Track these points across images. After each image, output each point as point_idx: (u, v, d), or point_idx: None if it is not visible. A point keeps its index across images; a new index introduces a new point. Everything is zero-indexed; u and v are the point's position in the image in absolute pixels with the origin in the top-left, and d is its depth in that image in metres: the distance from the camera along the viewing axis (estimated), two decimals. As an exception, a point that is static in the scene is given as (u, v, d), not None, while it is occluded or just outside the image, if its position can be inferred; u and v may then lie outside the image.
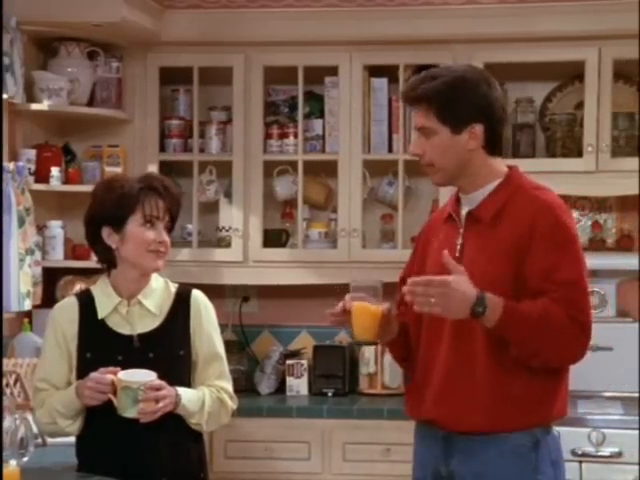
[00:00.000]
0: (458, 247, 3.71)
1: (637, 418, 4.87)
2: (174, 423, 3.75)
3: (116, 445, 3.71)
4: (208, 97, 6.10)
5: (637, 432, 5.13)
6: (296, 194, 5.97)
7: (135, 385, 3.54)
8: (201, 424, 3.76)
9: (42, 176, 5.58)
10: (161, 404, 3.56)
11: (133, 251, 3.70)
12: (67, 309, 3.82)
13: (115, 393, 3.57)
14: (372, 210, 6.11)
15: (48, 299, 5.55)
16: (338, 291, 3.82)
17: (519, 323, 3.46)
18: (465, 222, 3.73)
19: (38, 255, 5.47)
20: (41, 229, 5.61)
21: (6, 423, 4.11)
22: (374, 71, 5.94)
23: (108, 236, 3.70)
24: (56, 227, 5.71)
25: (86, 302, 3.79)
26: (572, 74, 5.88)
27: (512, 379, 3.60)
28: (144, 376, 3.58)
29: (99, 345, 3.73)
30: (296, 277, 5.77)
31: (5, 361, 4.98)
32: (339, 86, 5.91)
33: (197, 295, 3.89)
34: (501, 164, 3.71)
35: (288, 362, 5.89)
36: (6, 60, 5.23)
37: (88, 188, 5.56)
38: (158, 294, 3.81)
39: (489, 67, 5.58)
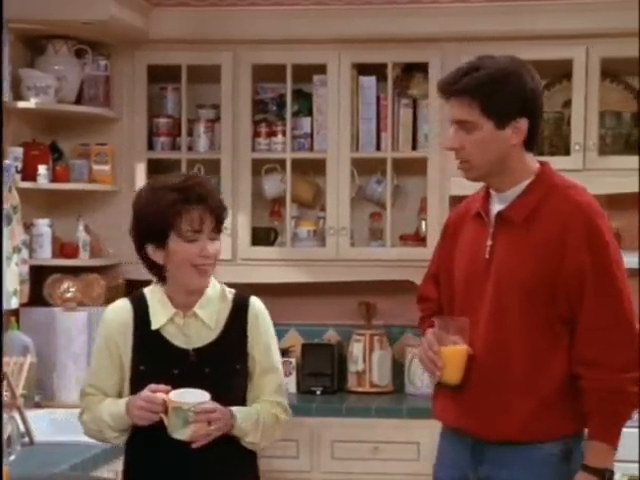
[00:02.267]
0: (488, 248, 3.65)
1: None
2: (226, 442, 3.55)
3: (163, 464, 3.55)
4: (196, 95, 6.12)
5: (625, 430, 5.13)
6: (284, 192, 5.99)
7: (186, 406, 3.37)
8: (255, 443, 3.57)
9: (29, 174, 5.58)
10: (213, 427, 3.38)
11: (177, 268, 3.48)
12: (121, 314, 3.58)
13: (166, 412, 3.40)
14: (360, 208, 6.12)
15: (35, 298, 5.57)
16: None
17: (620, 428, 3.52)
18: (495, 222, 3.67)
19: (25, 253, 5.44)
20: (28, 227, 5.59)
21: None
22: (362, 69, 5.95)
23: (153, 253, 3.48)
24: (43, 225, 5.70)
25: (141, 308, 3.57)
26: (560, 73, 5.89)
27: (548, 386, 3.56)
28: (197, 396, 3.40)
29: (154, 357, 3.53)
30: (284, 275, 5.79)
31: None
32: (327, 84, 5.93)
33: (255, 303, 3.66)
34: (534, 160, 3.64)
35: None
36: None
37: (76, 186, 5.93)
38: (215, 304, 3.57)
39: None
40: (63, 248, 5.81)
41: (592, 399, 3.48)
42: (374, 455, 5.53)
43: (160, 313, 3.51)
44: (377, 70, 5.94)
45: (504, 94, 3.52)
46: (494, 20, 5.75)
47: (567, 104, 5.88)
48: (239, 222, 5.98)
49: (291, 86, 5.96)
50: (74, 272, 5.79)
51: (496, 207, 3.67)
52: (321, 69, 5.94)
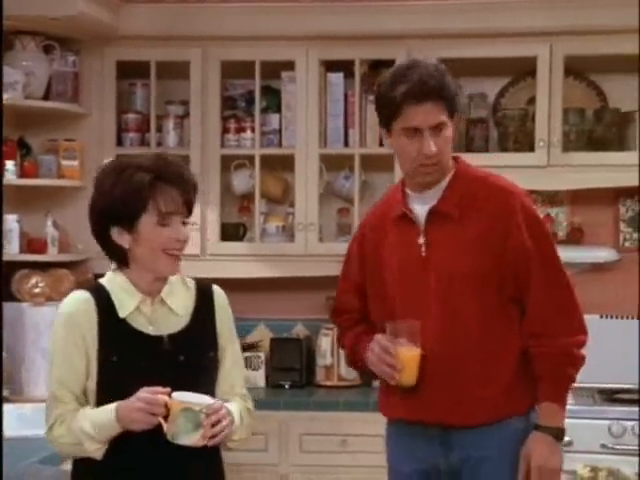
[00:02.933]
0: (422, 247, 3.68)
1: (586, 407, 5.08)
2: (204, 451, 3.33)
3: (136, 460, 3.29)
4: (165, 91, 6.12)
5: (586, 421, 5.21)
6: (253, 188, 6.01)
7: (198, 407, 3.14)
8: (242, 440, 3.45)
9: None
10: (225, 422, 3.20)
11: (147, 253, 3.23)
12: (82, 305, 3.27)
13: (166, 417, 3.17)
14: (328, 204, 6.16)
15: (3, 293, 5.45)
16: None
17: (567, 391, 3.66)
18: (427, 220, 3.69)
19: None
20: None
21: None
22: (330, 66, 5.98)
23: (118, 236, 3.22)
24: (12, 221, 5.68)
25: (102, 298, 3.28)
26: (524, 70, 5.96)
27: (508, 368, 3.63)
28: (199, 398, 3.19)
29: (124, 347, 3.25)
30: (253, 270, 5.81)
31: None
32: (296, 81, 5.96)
33: (218, 291, 3.49)
34: None
35: (245, 355, 5.81)
36: None
37: (44, 182, 5.91)
38: (179, 291, 3.37)
39: (443, 62, 5.72)
40: (31, 243, 5.82)
41: (544, 365, 3.60)
42: (342, 448, 5.55)
43: (126, 300, 3.26)
44: (345, 67, 5.95)
45: (457, 94, 3.65)
46: (459, 18, 5.78)
47: (531, 101, 5.94)
48: (208, 217, 5.98)
49: (260, 83, 5.97)
50: (42, 267, 5.77)
51: (421, 205, 3.69)
52: (289, 66, 5.97)
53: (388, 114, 3.68)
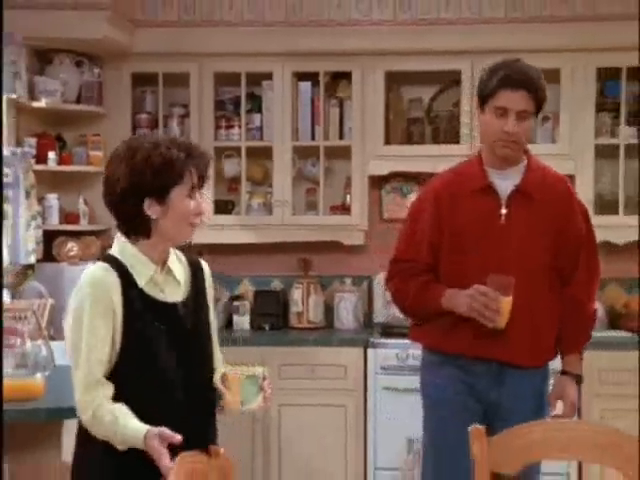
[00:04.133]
0: (502, 217, 3.65)
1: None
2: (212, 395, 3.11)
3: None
4: (170, 96, 6.16)
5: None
6: (240, 173, 6.11)
7: (259, 373, 2.97)
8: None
9: (41, 159, 5.70)
10: (270, 390, 3.03)
11: (174, 223, 2.97)
12: (109, 280, 2.94)
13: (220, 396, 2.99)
14: (299, 185, 6.22)
15: (46, 255, 5.71)
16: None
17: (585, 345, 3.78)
18: (509, 195, 3.65)
19: (39, 221, 5.58)
20: (41, 201, 5.71)
21: (29, 347, 4.25)
22: (300, 77, 6.06)
23: (149, 207, 2.93)
24: (52, 199, 5.86)
25: (121, 269, 2.97)
26: (451, 80, 6.02)
27: (555, 323, 3.71)
28: (243, 369, 3.01)
29: (145, 314, 2.98)
30: (240, 237, 5.93)
31: (17, 302, 5.04)
32: (273, 88, 6.04)
33: (205, 265, 3.23)
34: None
35: (234, 304, 6.11)
36: (14, 68, 5.31)
37: (76, 168, 5.99)
38: (176, 262, 3.11)
39: (389, 75, 6.00)
40: (67, 217, 5.95)
41: (577, 325, 3.72)
42: (311, 375, 5.68)
43: (142, 270, 2.99)
44: (312, 77, 6.04)
45: (544, 92, 3.59)
46: (400, 39, 5.85)
47: (456, 104, 6.01)
48: (205, 196, 6.19)
49: (245, 90, 6.06)
50: (76, 235, 5.88)
51: (501, 181, 3.66)
52: (268, 76, 6.03)
53: (486, 94, 3.60)
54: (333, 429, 5.70)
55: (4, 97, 5.28)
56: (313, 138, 6.11)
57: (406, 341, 5.36)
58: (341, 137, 6.12)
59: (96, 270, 2.97)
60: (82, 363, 2.92)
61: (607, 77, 5.93)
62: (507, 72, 3.56)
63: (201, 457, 2.78)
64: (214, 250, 5.93)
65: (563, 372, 3.77)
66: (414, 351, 5.49)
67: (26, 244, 5.41)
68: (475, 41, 5.81)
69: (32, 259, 5.48)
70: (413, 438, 5.45)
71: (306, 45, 5.94)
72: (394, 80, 6.10)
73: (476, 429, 3.07)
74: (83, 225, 5.97)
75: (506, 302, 3.50)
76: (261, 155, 6.17)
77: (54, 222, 5.87)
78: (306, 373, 5.71)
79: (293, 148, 6.07)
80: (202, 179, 3.02)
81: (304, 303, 6.13)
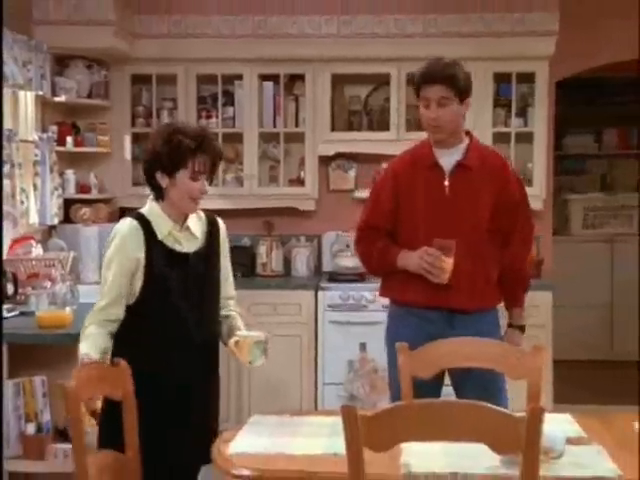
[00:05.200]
0: (446, 188, 3.57)
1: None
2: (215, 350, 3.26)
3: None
4: (161, 93, 6.23)
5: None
6: None
7: (264, 337, 3.08)
8: None
9: (61, 142, 5.78)
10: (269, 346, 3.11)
11: (178, 196, 3.07)
12: (135, 235, 3.08)
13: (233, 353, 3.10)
14: (264, 163, 6.32)
15: (66, 218, 5.83)
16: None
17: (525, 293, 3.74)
18: (452, 170, 3.58)
19: (60, 191, 5.69)
20: (61, 175, 5.80)
21: (58, 288, 4.48)
22: (265, 77, 6.16)
23: (160, 178, 3.07)
24: (70, 174, 5.96)
25: (145, 224, 3.10)
26: (383, 81, 6.11)
27: (495, 274, 3.66)
28: (256, 333, 3.12)
29: (163, 261, 3.08)
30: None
31: (46, 254, 5.14)
32: (243, 87, 6.14)
33: (221, 222, 3.34)
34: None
35: None
36: (41, 71, 5.35)
37: (88, 149, 6.05)
38: (196, 220, 3.21)
39: (334, 76, 6.04)
40: (81, 187, 6.05)
41: (518, 284, 3.71)
42: (274, 312, 5.80)
43: (162, 226, 3.10)
44: (274, 78, 6.14)
45: (461, 80, 3.50)
46: (342, 48, 5.98)
47: (387, 100, 6.10)
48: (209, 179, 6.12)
49: (221, 88, 6.14)
50: (88, 202, 5.99)
51: (446, 159, 3.58)
52: (239, 77, 6.13)
53: (416, 89, 3.56)
54: (291, 354, 5.80)
55: (32, 94, 5.38)
56: (275, 126, 6.19)
57: (347, 285, 5.76)
58: (297, 125, 6.21)
59: (125, 225, 3.12)
60: (102, 295, 3.11)
61: (501, 80, 6.04)
62: (426, 69, 3.54)
63: (99, 365, 2.94)
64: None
65: (509, 325, 3.76)
66: (353, 293, 5.78)
67: (51, 209, 5.49)
68: (400, 51, 5.91)
69: (55, 220, 5.57)
70: (352, 360, 5.69)
71: (269, 53, 6.05)
72: (338, 81, 6.21)
73: (400, 345, 3.29)
74: (94, 194, 6.06)
75: (448, 262, 3.47)
76: (234, 139, 6.19)
77: (71, 192, 5.94)
78: (270, 311, 5.80)
79: (259, 134, 6.16)
80: (213, 166, 3.12)
81: (268, 256, 6.22)
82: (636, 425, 2.87)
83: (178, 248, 3.14)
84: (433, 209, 3.56)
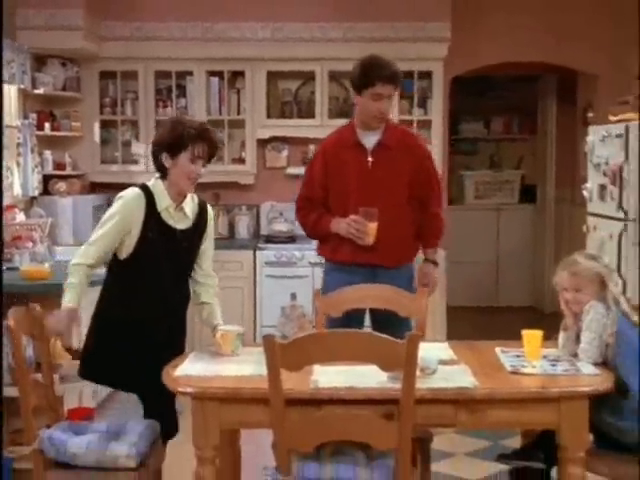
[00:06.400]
0: (369, 164, 3.54)
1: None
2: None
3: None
4: (125, 86, 6.20)
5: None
6: None
7: (242, 331, 3.08)
8: None
9: (40, 127, 5.77)
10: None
11: (178, 175, 3.06)
12: (139, 200, 3.05)
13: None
14: None
15: (44, 191, 5.80)
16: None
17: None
18: (374, 148, 3.54)
19: (40, 168, 5.70)
20: (40, 155, 5.78)
21: (39, 247, 4.50)
22: (212, 74, 6.15)
23: (165, 159, 3.06)
24: (48, 154, 5.93)
25: (148, 195, 3.07)
26: (309, 76, 6.16)
27: (412, 232, 3.66)
28: (234, 326, 3.11)
29: (156, 230, 3.06)
30: None
31: (29, 220, 5.08)
32: (194, 81, 6.15)
33: (210, 208, 3.30)
34: None
35: None
36: (22, 68, 5.33)
37: (64, 134, 6.02)
38: (189, 202, 3.18)
39: (269, 73, 6.05)
40: (58, 165, 6.02)
41: (436, 232, 3.71)
42: (221, 268, 4.84)
43: (162, 201, 3.08)
44: (219, 74, 6.15)
45: (401, 78, 3.53)
46: (276, 50, 6.02)
47: (313, 92, 6.12)
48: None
49: (175, 82, 6.14)
50: (63, 178, 5.95)
51: (368, 139, 3.54)
52: (190, 73, 6.14)
53: (364, 84, 3.47)
54: (235, 302, 5.77)
55: (15, 87, 5.31)
56: (220, 114, 6.19)
57: (280, 245, 5.80)
58: (238, 113, 6.22)
59: (132, 191, 3.10)
60: (93, 241, 3.07)
61: (405, 77, 5.36)
62: (382, 70, 3.46)
63: (20, 309, 2.95)
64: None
65: (425, 260, 3.77)
66: (285, 252, 5.84)
67: (32, 183, 5.50)
68: (324, 52, 5.98)
69: (36, 193, 5.59)
70: (284, 306, 5.16)
71: (215, 53, 6.06)
72: (272, 77, 6.23)
73: (317, 291, 3.46)
74: (68, 171, 6.05)
75: (372, 227, 3.46)
76: None
77: (49, 169, 5.93)
78: (217, 267, 4.68)
79: (207, 121, 5.26)
80: (210, 154, 3.12)
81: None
82: (497, 349, 3.04)
83: (170, 223, 3.12)
84: (358, 182, 3.53)
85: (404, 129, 3.78)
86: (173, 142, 3.07)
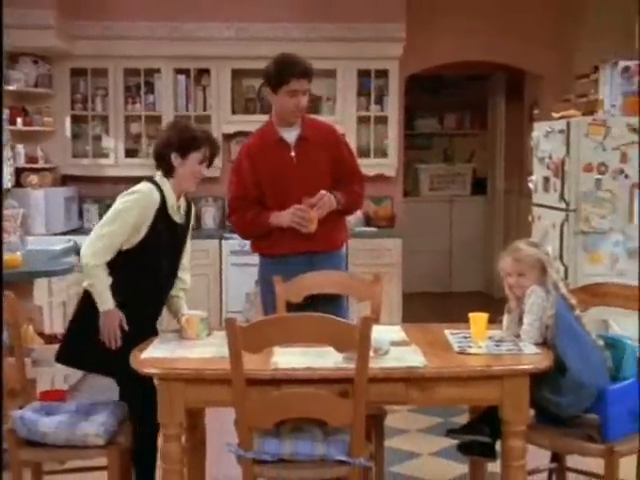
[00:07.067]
0: (293, 158, 3.50)
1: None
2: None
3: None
4: (95, 83, 6.20)
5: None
6: (141, 131, 6.20)
7: (205, 316, 3.06)
8: None
9: (13, 122, 5.77)
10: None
11: (185, 174, 3.07)
12: (154, 196, 3.02)
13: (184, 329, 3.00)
14: None
15: (17, 183, 5.75)
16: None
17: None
18: (295, 142, 3.50)
19: (12, 161, 5.62)
20: (13, 148, 5.74)
21: (12, 237, 4.39)
22: (179, 72, 6.18)
23: (174, 158, 3.04)
24: (21, 148, 5.90)
25: (160, 192, 3.05)
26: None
27: (339, 222, 3.60)
28: (201, 312, 3.08)
29: (164, 225, 3.04)
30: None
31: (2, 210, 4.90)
32: (162, 79, 6.17)
33: (192, 204, 3.29)
34: None
35: None
36: None
37: (36, 128, 5.98)
38: (182, 200, 3.19)
39: (234, 71, 6.06)
40: (30, 159, 5.98)
41: (354, 198, 3.58)
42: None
43: (170, 198, 3.08)
44: (186, 72, 6.17)
45: (313, 73, 3.45)
46: (240, 49, 6.03)
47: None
48: (118, 146, 6.12)
49: (143, 79, 6.16)
50: (36, 171, 5.92)
51: (288, 134, 3.50)
52: (158, 71, 6.16)
53: (280, 82, 3.44)
54: (201, 290, 5.77)
55: None
56: (187, 110, 6.20)
57: None
58: (204, 109, 6.22)
59: (147, 187, 3.05)
60: (105, 235, 2.97)
61: (363, 75, 6.13)
62: (293, 66, 3.43)
63: None
64: (129, 180, 5.75)
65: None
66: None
67: (6, 175, 5.37)
68: (286, 51, 5.39)
69: (9, 185, 5.52)
70: (249, 293, 5.74)
71: (182, 52, 6.07)
72: (237, 74, 6.24)
73: (277, 278, 3.41)
74: (40, 164, 6.02)
75: (314, 215, 3.45)
76: (154, 121, 6.20)
77: (22, 162, 5.90)
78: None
79: (174, 116, 6.05)
80: (212, 158, 3.13)
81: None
82: (446, 331, 3.08)
83: (174, 218, 3.13)
84: (285, 175, 3.50)
85: (317, 121, 3.73)
86: (185, 143, 3.06)
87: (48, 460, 2.94)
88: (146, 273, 3.07)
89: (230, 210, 3.67)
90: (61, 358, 3.16)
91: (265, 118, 5.71)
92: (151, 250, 3.04)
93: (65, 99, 6.20)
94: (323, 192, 3.45)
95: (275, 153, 3.52)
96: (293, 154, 3.51)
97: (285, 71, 3.42)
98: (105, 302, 2.99)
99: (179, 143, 3.06)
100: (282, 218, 3.49)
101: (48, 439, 2.81)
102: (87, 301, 3.07)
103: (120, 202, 3.04)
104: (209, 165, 3.16)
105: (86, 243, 3.03)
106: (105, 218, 3.05)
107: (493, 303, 7.30)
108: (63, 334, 3.23)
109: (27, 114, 6.05)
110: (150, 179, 3.12)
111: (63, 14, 5.81)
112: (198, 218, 6.37)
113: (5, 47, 4.94)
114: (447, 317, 3.19)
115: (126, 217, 2.99)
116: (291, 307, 3.40)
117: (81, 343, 3.07)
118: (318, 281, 3.49)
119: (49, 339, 4.01)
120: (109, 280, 3.00)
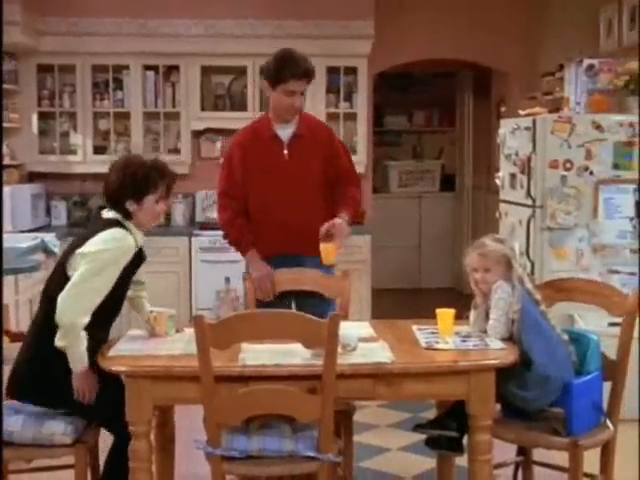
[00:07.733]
0: (286, 155, 3.47)
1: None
2: None
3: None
4: (63, 79, 6.15)
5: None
6: (110, 128, 6.17)
7: (174, 313, 3.03)
8: None
9: None
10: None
11: (145, 218, 2.89)
12: (130, 248, 2.85)
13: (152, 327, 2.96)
14: (148, 136, 6.25)
15: None
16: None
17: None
18: (289, 140, 3.47)
19: None
20: None
21: None
22: (148, 68, 6.15)
23: (130, 205, 2.86)
24: None
25: (131, 234, 2.86)
26: (241, 71, 6.15)
27: (323, 220, 3.39)
28: (165, 310, 3.02)
29: (134, 263, 2.88)
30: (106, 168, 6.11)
31: None
32: (130, 75, 6.13)
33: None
34: None
35: None
36: None
37: (3, 124, 5.35)
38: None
39: (203, 68, 6.03)
40: None
41: (355, 206, 3.54)
42: (159, 253, 5.59)
43: (139, 238, 2.90)
44: (155, 69, 6.15)
45: (315, 74, 3.45)
46: (210, 46, 6.01)
47: (245, 86, 6.12)
48: (87, 142, 6.10)
49: (112, 75, 6.12)
50: (2, 167, 5.24)
51: (282, 131, 3.47)
52: (127, 67, 6.13)
53: (278, 80, 3.38)
54: (171, 287, 5.79)
55: None
56: (156, 106, 6.19)
57: (215, 232, 5.53)
58: (174, 106, 6.21)
59: (123, 238, 2.83)
60: (89, 293, 2.74)
61: (332, 72, 6.14)
62: (293, 66, 3.37)
63: None
64: (98, 177, 5.77)
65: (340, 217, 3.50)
66: (219, 238, 5.25)
67: None
68: (254, 48, 5.90)
69: None
70: (219, 290, 5.73)
71: (151, 48, 6.05)
72: (206, 71, 6.23)
73: (247, 274, 3.44)
74: (7, 161, 5.90)
75: (329, 247, 3.32)
76: (123, 117, 6.20)
77: None
78: (154, 252, 5.33)
79: (143, 113, 6.16)
80: (169, 190, 2.94)
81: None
82: (414, 327, 3.09)
83: (139, 246, 2.95)
84: (276, 173, 3.49)
85: (315, 119, 3.70)
86: (139, 188, 2.87)
87: (14, 459, 2.88)
88: (114, 305, 2.90)
89: (219, 206, 3.62)
90: (17, 394, 2.89)
91: (235, 115, 6.10)
92: (120, 286, 2.88)
93: (31, 95, 6.14)
94: (339, 220, 3.37)
95: (268, 149, 3.49)
96: (286, 152, 3.49)
97: (285, 70, 3.38)
98: (82, 361, 2.77)
99: (133, 189, 2.86)
100: (252, 270, 3.46)
101: (14, 438, 2.78)
102: (48, 334, 2.78)
103: (101, 253, 2.78)
104: (167, 196, 2.95)
105: (67, 299, 2.73)
106: (85, 271, 2.75)
107: (462, 299, 7.19)
108: (15, 367, 2.92)
109: (-8, 109, 5.96)
110: (117, 223, 2.88)
111: (28, 10, 5.76)
112: (167, 215, 6.34)
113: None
114: (417, 313, 3.22)
115: (113, 270, 2.80)
116: (274, 304, 3.37)
117: (40, 381, 2.83)
118: (288, 278, 3.50)
119: (15, 337, 3.97)
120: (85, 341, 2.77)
